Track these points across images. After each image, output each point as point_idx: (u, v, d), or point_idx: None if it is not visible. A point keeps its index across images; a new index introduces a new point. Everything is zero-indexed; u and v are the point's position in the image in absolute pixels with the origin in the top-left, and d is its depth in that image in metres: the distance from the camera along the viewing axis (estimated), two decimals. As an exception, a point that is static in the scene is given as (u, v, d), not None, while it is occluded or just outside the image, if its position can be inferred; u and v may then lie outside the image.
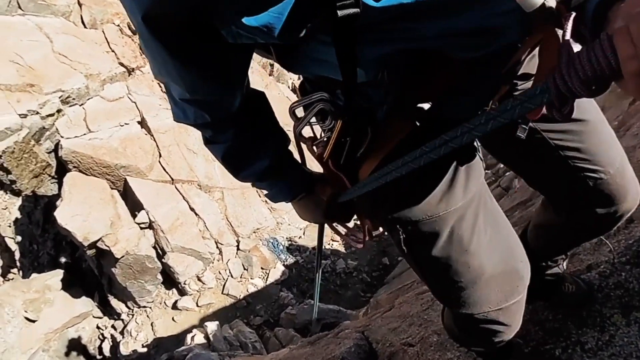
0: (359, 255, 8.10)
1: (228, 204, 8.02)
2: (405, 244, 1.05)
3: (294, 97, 8.67)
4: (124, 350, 7.07)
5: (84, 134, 7.82)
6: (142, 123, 8.30)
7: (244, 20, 0.64)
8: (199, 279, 7.36)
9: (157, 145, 8.12)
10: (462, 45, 0.78)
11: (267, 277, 7.56)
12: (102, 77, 8.68)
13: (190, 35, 0.69)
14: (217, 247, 7.59)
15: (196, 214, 7.58)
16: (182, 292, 7.43)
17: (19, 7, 9.36)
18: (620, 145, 1.20)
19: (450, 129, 0.71)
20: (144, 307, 7.47)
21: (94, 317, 7.98)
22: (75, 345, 7.73)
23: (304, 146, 1.12)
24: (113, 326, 7.71)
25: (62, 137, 7.79)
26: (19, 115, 7.61)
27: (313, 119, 0.99)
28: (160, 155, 8.07)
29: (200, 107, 0.89)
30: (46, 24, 9.42)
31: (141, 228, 7.34)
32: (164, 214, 7.35)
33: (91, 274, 8.12)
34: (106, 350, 7.53)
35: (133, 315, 7.52)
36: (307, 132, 1.08)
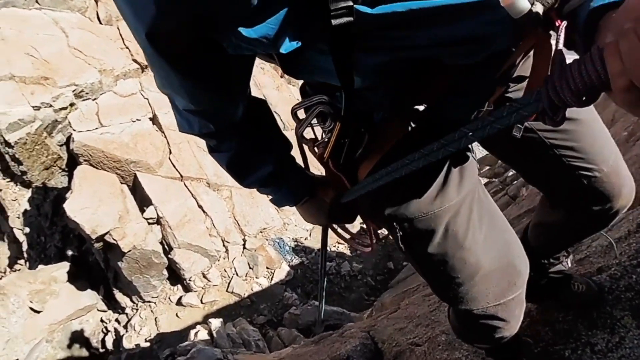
0: (364, 258, 8.09)
1: (236, 202, 8.05)
2: (402, 241, 1.07)
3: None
4: (127, 344, 7.09)
5: (96, 128, 7.88)
6: (154, 119, 8.36)
7: (243, 32, 0.65)
8: (204, 276, 7.38)
9: (168, 142, 8.17)
10: (455, 53, 0.80)
11: (272, 277, 7.57)
12: (116, 73, 8.75)
13: (193, 49, 0.71)
14: (224, 245, 7.61)
15: (204, 212, 7.61)
16: (187, 289, 7.44)
17: (36, 1, 9.46)
18: (614, 143, 1.22)
19: (445, 130, 0.73)
20: (149, 302, 7.50)
21: (98, 310, 8.01)
22: (78, 337, 7.75)
23: (305, 147, 1.14)
24: (117, 320, 7.73)
25: (74, 130, 7.85)
26: (33, 107, 7.69)
27: (314, 121, 1.02)
28: (170, 152, 8.12)
29: (203, 117, 0.92)
30: (62, 19, 9.51)
31: (149, 223, 7.38)
32: (172, 210, 7.39)
33: (97, 267, 8.15)
34: (109, 344, 7.54)
35: (137, 309, 7.55)
36: (310, 133, 1.11)
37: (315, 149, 1.11)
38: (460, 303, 1.12)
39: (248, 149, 1.05)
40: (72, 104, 8.09)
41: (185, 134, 1.00)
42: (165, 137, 8.15)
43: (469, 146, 1.03)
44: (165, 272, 7.52)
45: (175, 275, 7.56)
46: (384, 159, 0.96)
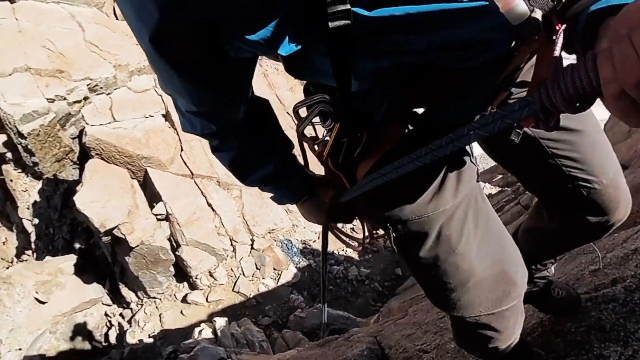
0: (372, 263, 8.07)
1: (245, 202, 8.06)
2: (395, 243, 1.08)
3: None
4: (130, 339, 7.12)
5: (109, 123, 7.96)
6: (167, 116, 8.41)
7: (244, 35, 0.66)
8: (210, 275, 7.39)
9: (180, 139, 8.22)
10: (454, 58, 0.80)
11: (279, 279, 7.56)
12: (130, 69, 8.83)
13: (195, 53, 0.72)
14: (232, 245, 7.62)
15: (213, 210, 7.63)
16: (193, 286, 7.46)
17: (54, -5, 9.57)
18: (615, 156, 1.23)
19: (445, 133, 0.73)
20: (154, 298, 7.52)
21: (103, 304, 8.05)
22: (82, 330, 7.79)
23: (305, 145, 1.15)
24: (121, 314, 7.77)
25: (87, 124, 7.94)
26: (47, 99, 7.78)
27: (316, 119, 1.03)
28: (182, 149, 8.17)
29: (206, 118, 0.93)
30: (79, 13, 9.62)
31: (158, 219, 7.41)
32: (182, 207, 7.42)
33: (104, 261, 8.21)
34: (112, 338, 7.57)
35: (142, 305, 7.58)
36: (312, 132, 1.14)
37: (316, 147, 1.13)
38: (453, 309, 1.12)
39: (249, 150, 1.07)
40: (86, 98, 8.18)
41: (188, 133, 1.01)
42: (177, 134, 8.21)
43: (468, 150, 1.03)
44: (171, 269, 7.55)
45: (181, 273, 7.58)
46: (382, 160, 0.96)
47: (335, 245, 7.47)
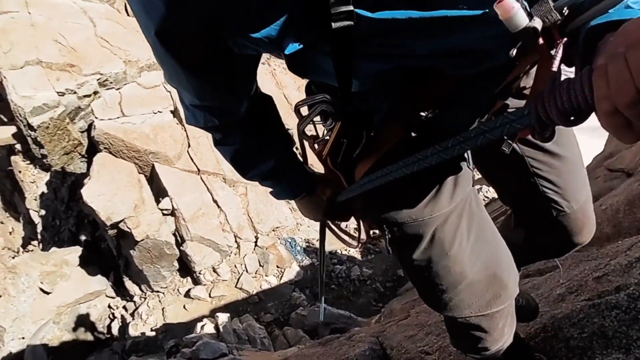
0: (374, 264, 8.06)
1: (251, 199, 8.08)
2: (390, 244, 1.10)
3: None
4: (133, 331, 7.17)
5: (118, 117, 8.00)
6: (175, 112, 8.44)
7: (248, 33, 0.68)
8: (214, 270, 7.41)
9: (187, 136, 8.24)
10: (454, 64, 0.82)
11: (282, 276, 7.57)
12: (140, 65, 8.87)
13: (200, 48, 0.73)
14: (236, 241, 7.64)
15: (218, 206, 7.65)
16: (197, 282, 7.49)
17: (67, -10, 9.61)
18: (588, 184, 1.31)
19: (443, 138, 0.73)
20: (157, 291, 7.56)
21: (106, 296, 8.09)
22: (85, 321, 7.82)
23: (306, 143, 1.17)
24: (124, 307, 7.82)
25: (96, 118, 7.98)
26: (57, 92, 7.83)
27: (317, 118, 1.05)
28: (189, 146, 8.19)
29: (209, 112, 0.95)
30: (91, 9, 9.68)
31: (163, 214, 7.44)
32: (187, 202, 7.45)
33: (109, 254, 8.24)
34: (115, 330, 7.61)
35: (145, 298, 7.62)
36: (312, 130, 1.15)
37: (316, 145, 1.14)
38: (444, 309, 1.15)
39: (251, 146, 1.08)
40: (95, 92, 8.22)
41: (192, 126, 1.03)
42: (185, 130, 8.23)
43: (465, 156, 1.05)
44: (176, 264, 7.58)
45: (185, 268, 7.61)
46: (380, 161, 0.97)
47: (338, 245, 7.46)
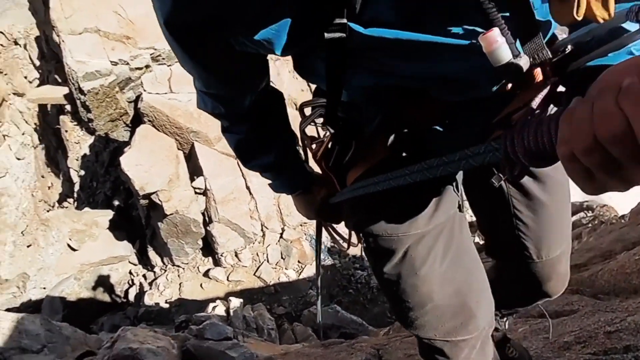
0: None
1: (283, 191, 8.09)
2: (365, 253, 1.12)
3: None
4: (148, 300, 7.31)
5: (165, 93, 8.15)
6: (221, 96, 8.55)
7: (248, 33, 0.70)
8: (236, 255, 7.47)
9: (230, 120, 8.34)
10: (439, 89, 0.83)
11: (301, 272, 7.56)
12: (193, 45, 9.01)
13: (204, 41, 0.75)
14: (262, 230, 7.67)
15: (250, 193, 7.71)
16: (217, 263, 7.57)
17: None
18: (569, 237, 1.31)
19: (431, 157, 0.73)
20: (178, 266, 7.68)
21: (129, 262, 8.32)
22: (104, 282, 8.06)
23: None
24: (144, 275, 8.00)
25: (144, 90, 8.18)
26: (111, 62, 8.06)
27: (319, 120, 1.07)
28: (231, 130, 8.28)
29: (215, 99, 0.97)
30: (154, -16, 9.85)
31: (196, 192, 7.56)
32: (221, 185, 7.53)
33: (138, 223, 8.45)
34: (131, 296, 7.82)
35: (165, 270, 7.76)
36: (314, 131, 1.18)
37: (313, 145, 1.17)
38: (410, 327, 1.15)
39: (254, 138, 1.10)
40: (147, 66, 8.39)
41: (201, 110, 1.06)
42: (229, 114, 8.33)
43: (457, 179, 1.07)
44: (200, 242, 7.69)
45: (208, 248, 7.71)
46: (371, 170, 0.98)
47: (361, 251, 7.44)
